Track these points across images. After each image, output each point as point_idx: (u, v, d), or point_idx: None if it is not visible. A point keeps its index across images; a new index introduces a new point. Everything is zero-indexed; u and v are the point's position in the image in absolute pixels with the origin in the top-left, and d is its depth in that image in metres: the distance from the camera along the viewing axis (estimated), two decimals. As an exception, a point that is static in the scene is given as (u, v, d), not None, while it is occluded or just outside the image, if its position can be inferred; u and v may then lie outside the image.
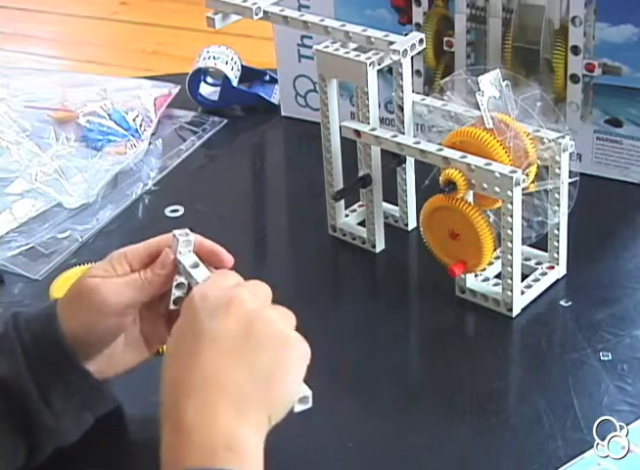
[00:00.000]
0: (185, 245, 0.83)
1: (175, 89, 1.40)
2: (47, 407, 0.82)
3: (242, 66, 1.43)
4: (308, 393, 0.75)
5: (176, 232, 0.83)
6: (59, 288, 1.04)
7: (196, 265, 0.82)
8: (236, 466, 0.69)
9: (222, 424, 0.70)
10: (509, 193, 0.95)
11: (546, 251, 1.05)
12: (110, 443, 0.88)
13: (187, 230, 0.84)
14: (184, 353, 0.74)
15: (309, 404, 0.75)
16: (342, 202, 1.13)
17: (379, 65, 1.04)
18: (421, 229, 1.03)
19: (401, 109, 1.06)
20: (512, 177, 0.94)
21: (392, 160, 1.07)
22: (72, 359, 0.83)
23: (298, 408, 0.75)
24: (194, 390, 0.71)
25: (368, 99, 1.05)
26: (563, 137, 0.99)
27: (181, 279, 0.83)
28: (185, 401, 0.71)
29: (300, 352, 0.76)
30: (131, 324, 0.86)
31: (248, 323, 0.74)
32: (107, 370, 0.86)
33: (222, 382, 0.72)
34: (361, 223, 1.14)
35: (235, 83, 1.41)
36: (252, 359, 0.73)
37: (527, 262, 1.05)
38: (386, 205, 1.13)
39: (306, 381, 0.76)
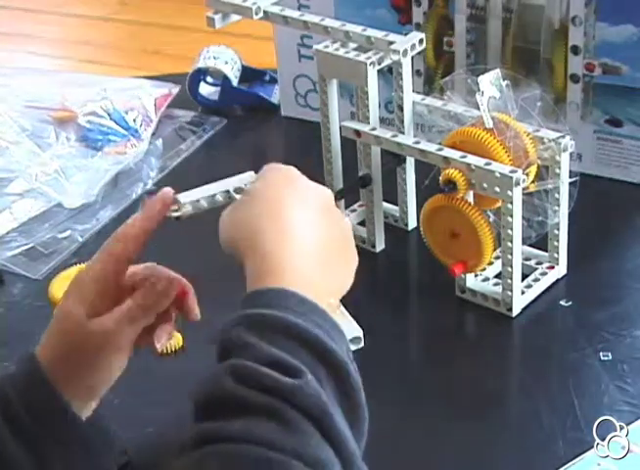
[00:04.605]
0: (184, 197, 0.80)
1: (175, 89, 1.41)
2: None
3: (242, 66, 1.43)
4: (360, 333, 0.75)
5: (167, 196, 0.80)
6: (58, 288, 1.04)
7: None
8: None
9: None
10: (509, 193, 0.95)
11: (546, 251, 1.05)
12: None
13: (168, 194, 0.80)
14: (264, 211, 0.75)
15: (361, 344, 0.77)
16: (343, 202, 1.13)
17: (379, 65, 1.04)
18: (421, 229, 1.03)
19: (401, 109, 1.06)
20: (512, 177, 0.94)
21: (392, 160, 1.07)
22: (75, 423, 0.74)
23: (351, 348, 0.75)
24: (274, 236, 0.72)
25: (368, 99, 1.05)
26: (563, 137, 0.99)
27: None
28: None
29: (355, 255, 0.78)
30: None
31: (326, 205, 0.77)
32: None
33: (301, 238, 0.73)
34: (361, 223, 1.14)
35: (235, 83, 1.41)
36: (326, 234, 0.75)
37: (527, 262, 1.05)
38: (386, 205, 1.13)
39: None
